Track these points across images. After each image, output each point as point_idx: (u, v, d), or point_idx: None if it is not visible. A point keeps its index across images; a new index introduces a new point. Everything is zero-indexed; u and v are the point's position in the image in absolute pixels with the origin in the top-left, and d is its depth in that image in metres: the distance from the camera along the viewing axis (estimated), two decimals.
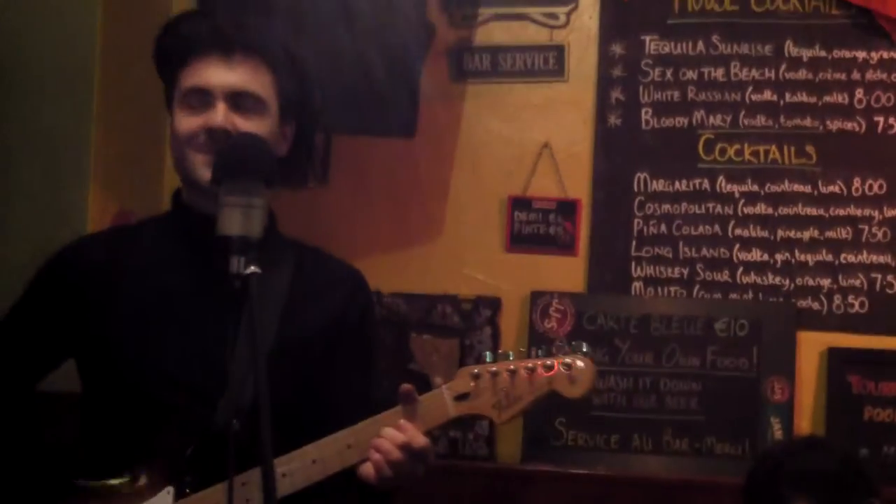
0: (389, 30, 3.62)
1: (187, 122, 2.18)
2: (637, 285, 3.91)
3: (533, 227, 3.95)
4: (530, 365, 2.16)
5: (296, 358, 2.22)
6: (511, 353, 2.21)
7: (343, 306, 2.34)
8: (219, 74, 2.17)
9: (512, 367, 2.16)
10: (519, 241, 3.97)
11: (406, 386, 2.17)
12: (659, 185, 3.91)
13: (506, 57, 4.01)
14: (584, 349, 2.19)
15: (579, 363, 2.16)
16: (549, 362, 2.16)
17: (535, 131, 3.99)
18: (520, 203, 3.97)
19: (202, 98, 2.17)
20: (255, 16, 2.33)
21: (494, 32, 4.03)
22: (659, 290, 3.89)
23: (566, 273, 3.94)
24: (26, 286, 2.35)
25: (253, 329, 1.85)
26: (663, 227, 3.90)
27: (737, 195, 3.86)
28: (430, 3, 3.83)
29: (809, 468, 2.75)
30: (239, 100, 2.18)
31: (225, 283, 1.86)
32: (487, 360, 2.19)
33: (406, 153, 3.98)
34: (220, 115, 2.15)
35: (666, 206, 3.90)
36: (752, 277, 3.83)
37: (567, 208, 3.94)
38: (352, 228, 4.01)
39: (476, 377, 2.15)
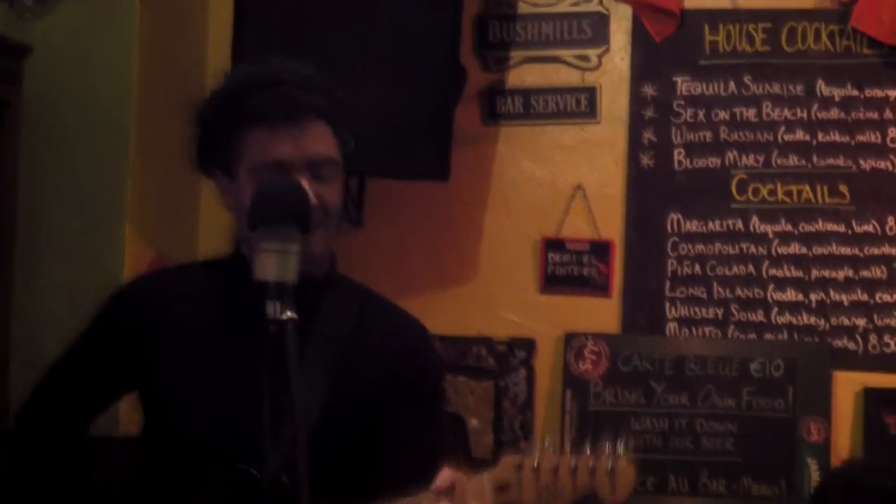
0: (422, 73, 3.65)
1: None
2: (671, 326, 3.92)
3: (567, 268, 3.97)
4: (574, 464, 2.14)
5: (350, 410, 2.18)
6: (546, 441, 2.18)
7: (399, 359, 2.27)
8: (295, 146, 2.14)
9: (555, 463, 2.15)
10: (553, 282, 3.98)
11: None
12: (692, 226, 3.92)
13: (538, 99, 4.04)
14: (629, 448, 2.18)
15: (623, 471, 2.15)
16: (591, 465, 2.15)
17: (568, 173, 4.02)
18: (553, 244, 3.99)
19: (281, 172, 2.12)
20: (310, 73, 2.25)
21: (526, 75, 4.07)
22: (693, 330, 3.90)
23: (600, 314, 3.96)
24: (87, 324, 2.32)
25: (288, 375, 1.82)
26: (697, 268, 3.91)
27: (770, 235, 3.88)
28: (463, 47, 3.84)
29: (889, 486, 2.77)
30: (318, 168, 2.15)
31: (264, 329, 1.86)
32: (532, 450, 2.17)
33: (440, 196, 4.00)
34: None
35: (699, 247, 3.91)
36: (786, 317, 3.84)
37: (600, 249, 3.96)
38: (386, 271, 3.99)
39: (519, 469, 2.14)
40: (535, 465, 2.12)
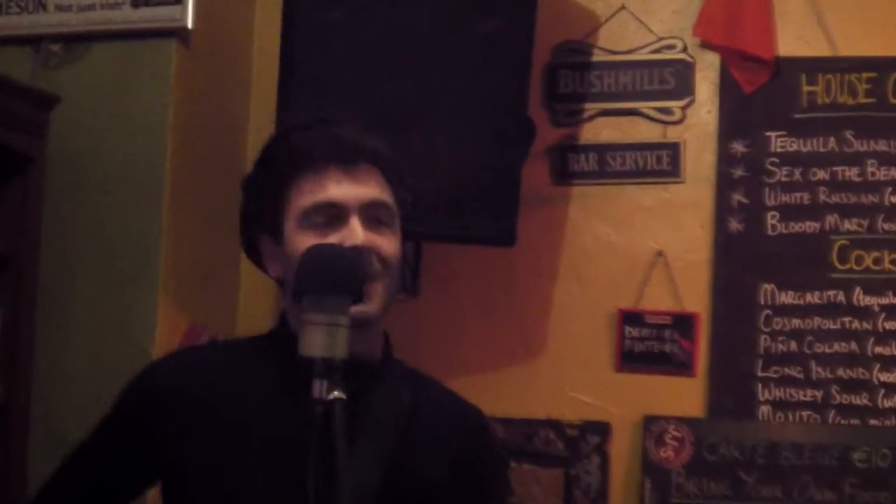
0: (486, 128, 3.65)
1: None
2: (764, 410, 3.88)
3: (646, 344, 3.96)
4: None
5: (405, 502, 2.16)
6: None
7: (462, 451, 2.26)
8: (347, 187, 2.13)
9: None
10: (630, 359, 3.97)
11: None
12: (787, 298, 3.90)
13: (615, 156, 4.05)
14: None
15: None
16: None
17: (648, 238, 4.01)
18: (631, 317, 3.98)
19: (330, 215, 2.12)
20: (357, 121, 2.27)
21: (602, 130, 4.07)
22: (789, 415, 3.86)
23: (683, 396, 3.93)
24: (110, 409, 2.29)
25: (336, 462, 1.82)
26: (793, 345, 3.88)
27: (876, 309, 3.84)
28: (532, 99, 3.82)
29: None
30: (373, 212, 2.14)
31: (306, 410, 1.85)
32: None
33: (504, 262, 4.00)
34: (358, 233, 2.10)
35: (796, 321, 3.88)
36: (894, 401, 3.80)
37: (684, 323, 3.94)
38: (444, 345, 4.04)
39: None
40: None
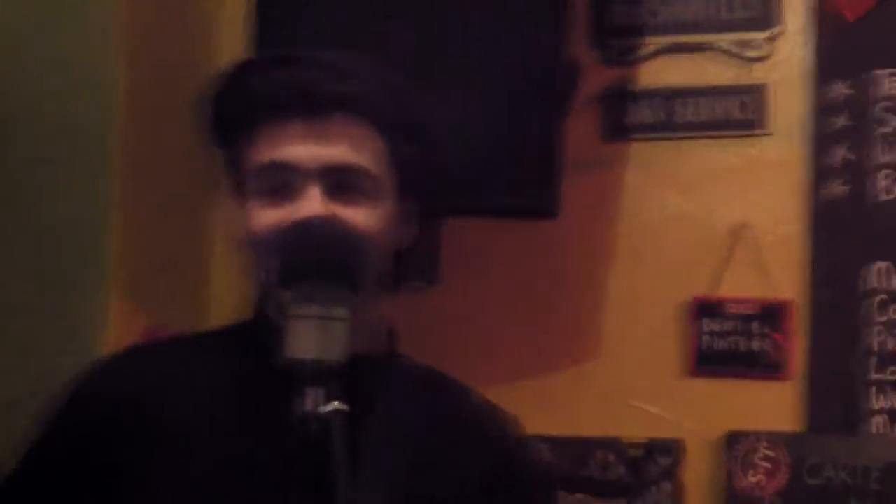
0: (517, 73, 3.61)
1: (266, 216, 2.09)
2: (878, 421, 3.75)
3: (727, 340, 3.89)
4: None
5: None
6: None
7: (492, 471, 2.24)
8: (309, 146, 2.09)
9: None
10: (708, 360, 3.89)
11: None
12: None
13: (684, 103, 3.97)
14: None
15: None
16: None
17: (727, 207, 3.90)
18: (707, 308, 3.89)
19: (286, 178, 2.08)
20: (352, 59, 2.20)
21: (666, 70, 3.98)
22: None
23: (776, 405, 3.83)
24: (39, 431, 2.24)
25: (335, 488, 1.84)
26: None
27: None
28: (575, 33, 3.79)
29: None
30: (342, 178, 2.09)
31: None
32: None
33: (544, 241, 3.93)
34: (315, 203, 2.06)
35: None
36: None
37: (775, 314, 3.85)
38: (470, 346, 3.95)
39: None
40: None
